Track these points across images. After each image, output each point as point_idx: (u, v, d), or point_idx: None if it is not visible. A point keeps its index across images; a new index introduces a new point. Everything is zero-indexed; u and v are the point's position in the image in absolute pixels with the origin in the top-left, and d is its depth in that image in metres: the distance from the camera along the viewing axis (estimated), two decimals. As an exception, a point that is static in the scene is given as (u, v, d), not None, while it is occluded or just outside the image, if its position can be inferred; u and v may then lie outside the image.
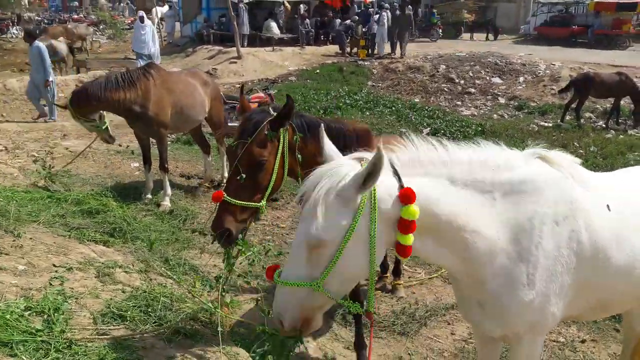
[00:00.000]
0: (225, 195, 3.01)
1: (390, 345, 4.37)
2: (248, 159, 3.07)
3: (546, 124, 13.16)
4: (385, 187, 2.08)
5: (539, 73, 16.93)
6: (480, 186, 2.29)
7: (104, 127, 6.76)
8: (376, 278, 2.24)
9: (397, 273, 5.37)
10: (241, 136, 3.13)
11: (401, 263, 5.47)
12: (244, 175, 3.03)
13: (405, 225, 2.06)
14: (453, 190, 2.23)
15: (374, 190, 2.04)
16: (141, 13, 16.84)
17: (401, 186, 2.10)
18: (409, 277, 5.66)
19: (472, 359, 4.19)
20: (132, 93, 6.46)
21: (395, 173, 2.14)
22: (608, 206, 2.56)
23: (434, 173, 2.22)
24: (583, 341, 4.51)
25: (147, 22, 16.42)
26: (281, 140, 3.16)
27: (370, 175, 1.97)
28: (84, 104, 6.36)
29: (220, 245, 3.23)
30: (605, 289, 2.62)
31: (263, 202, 3.14)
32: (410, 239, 2.08)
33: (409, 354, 4.25)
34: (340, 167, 2.09)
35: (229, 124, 9.98)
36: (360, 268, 2.09)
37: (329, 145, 2.36)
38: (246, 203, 3.05)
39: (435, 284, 5.50)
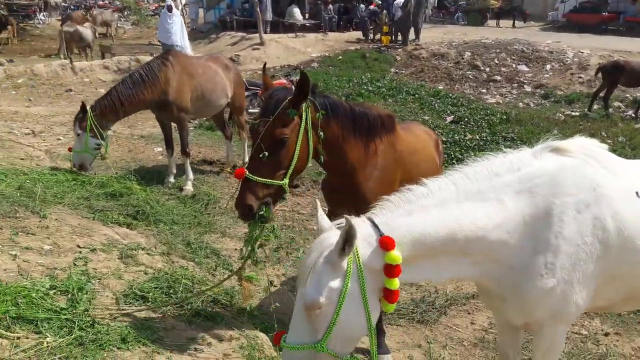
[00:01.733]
0: (247, 172, 3.03)
1: (409, 332, 4.36)
2: (270, 136, 3.06)
3: (573, 113, 12.87)
4: (366, 241, 2.18)
5: (567, 61, 16.54)
6: (477, 197, 2.35)
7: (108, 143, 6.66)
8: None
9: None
10: (263, 114, 3.13)
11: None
12: (266, 153, 3.03)
13: (390, 270, 2.15)
14: (440, 214, 2.29)
15: (357, 251, 2.13)
16: (169, 1, 15.43)
17: (380, 234, 2.19)
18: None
19: (492, 349, 4.15)
20: (157, 85, 6.52)
21: (373, 225, 2.24)
22: (637, 193, 2.49)
23: (415, 208, 2.30)
24: (606, 334, 4.43)
25: (175, 11, 15.19)
26: (303, 117, 3.14)
27: (345, 242, 2.08)
28: (110, 109, 6.30)
29: (242, 221, 3.25)
30: (636, 279, 2.55)
31: (285, 180, 3.13)
32: (395, 284, 2.16)
33: (427, 342, 4.23)
34: (328, 238, 2.20)
35: (250, 110, 10.00)
36: (358, 325, 2.17)
37: (322, 219, 2.40)
38: (268, 180, 3.06)
39: (456, 272, 5.46)
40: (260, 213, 3.10)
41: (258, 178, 3.03)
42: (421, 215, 2.27)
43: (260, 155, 3.04)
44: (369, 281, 2.15)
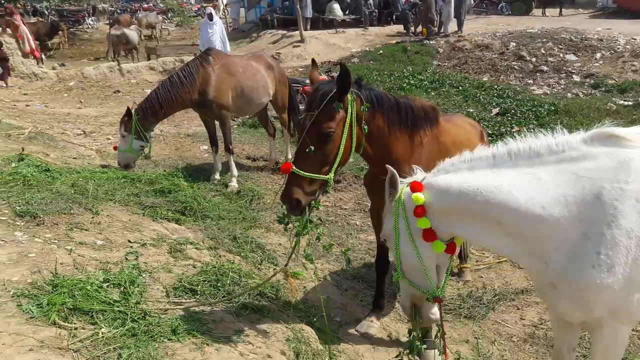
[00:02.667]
0: (294, 167, 3.03)
1: (457, 328, 4.29)
2: (316, 131, 3.07)
3: (626, 103, 12.33)
4: (408, 191, 2.63)
5: (618, 48, 15.87)
6: (509, 170, 2.46)
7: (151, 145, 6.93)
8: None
9: (463, 256, 5.25)
10: (309, 108, 3.13)
11: (467, 246, 5.35)
12: (312, 147, 3.03)
13: (415, 211, 2.56)
14: (473, 175, 2.50)
15: (401, 197, 2.64)
16: (209, 10, 14.97)
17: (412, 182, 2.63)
18: (477, 261, 5.52)
19: (543, 345, 4.04)
20: (194, 86, 6.67)
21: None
22: None
23: (451, 169, 2.62)
24: (665, 331, 4.24)
25: (216, 19, 14.46)
26: (349, 110, 3.13)
27: (390, 187, 2.68)
28: (151, 112, 6.55)
29: (290, 214, 3.25)
30: None
31: (331, 175, 3.13)
32: (423, 223, 2.55)
33: (475, 337, 4.15)
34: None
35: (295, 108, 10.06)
36: (414, 259, 2.62)
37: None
38: (314, 175, 3.06)
39: (504, 268, 5.33)
40: (312, 205, 3.12)
41: (305, 173, 3.04)
42: (452, 175, 2.58)
43: (307, 150, 3.05)
44: (411, 220, 2.59)
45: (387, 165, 2.65)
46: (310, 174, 3.05)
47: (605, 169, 2.28)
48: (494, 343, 4.11)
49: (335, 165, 3.13)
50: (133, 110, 6.54)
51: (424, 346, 3.04)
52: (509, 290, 4.83)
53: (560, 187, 2.33)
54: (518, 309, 4.58)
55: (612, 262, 2.22)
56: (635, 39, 16.22)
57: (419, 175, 2.74)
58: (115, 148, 6.81)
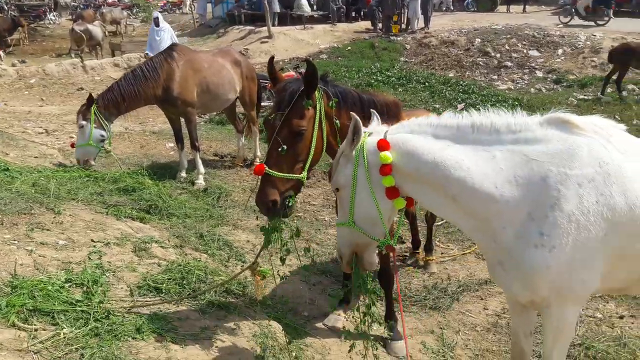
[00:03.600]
0: (267, 168, 3.01)
1: (422, 319, 4.37)
2: (287, 129, 3.04)
3: (586, 97, 12.72)
4: (372, 143, 2.61)
5: (579, 45, 16.31)
6: (471, 143, 2.51)
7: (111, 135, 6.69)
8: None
9: (429, 249, 5.35)
10: (278, 107, 3.11)
11: (433, 239, 5.45)
12: (284, 147, 3.01)
13: (382, 168, 2.56)
14: (435, 144, 2.53)
15: (364, 147, 2.61)
16: (156, 14, 13.77)
17: (380, 139, 2.59)
18: (442, 254, 5.63)
19: (505, 333, 4.15)
20: (158, 81, 6.57)
21: (385, 134, 2.64)
22: None
23: (418, 130, 2.62)
24: (621, 317, 4.39)
25: (163, 25, 13.30)
26: (318, 107, 3.13)
27: (353, 135, 2.61)
28: (112, 103, 6.39)
29: (267, 217, 3.21)
30: None
31: (304, 174, 3.12)
32: (388, 180, 2.55)
33: (440, 327, 4.24)
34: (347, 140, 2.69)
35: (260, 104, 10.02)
36: (370, 208, 2.61)
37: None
38: (288, 175, 3.05)
39: (469, 260, 5.45)
40: (288, 205, 3.10)
41: (278, 173, 3.01)
42: (417, 138, 2.59)
43: (279, 149, 3.02)
44: (373, 173, 2.58)
45: (351, 113, 2.65)
46: (284, 174, 3.03)
47: (554, 153, 2.36)
48: (459, 333, 4.20)
49: (308, 163, 3.13)
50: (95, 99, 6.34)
51: (368, 286, 3.03)
52: (473, 281, 4.94)
53: (512, 167, 2.39)
54: (482, 299, 4.69)
55: (554, 243, 2.30)
56: (595, 35, 16.69)
57: (379, 126, 2.75)
58: (72, 145, 6.55)
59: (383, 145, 2.55)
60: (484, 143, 2.48)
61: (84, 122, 6.28)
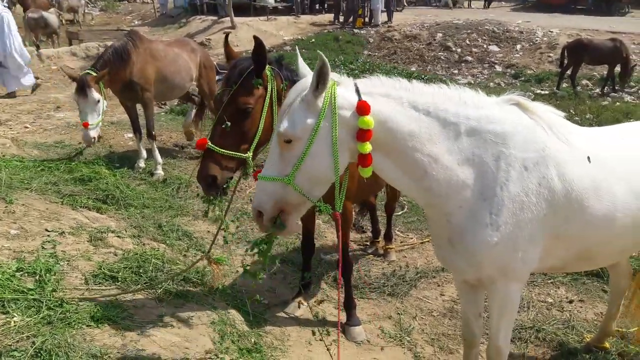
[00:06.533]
0: (209, 142, 2.93)
1: (380, 305, 4.45)
2: (233, 105, 2.98)
3: (543, 92, 13.10)
4: (347, 100, 2.30)
5: (536, 40, 16.78)
6: (442, 116, 2.41)
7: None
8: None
9: (388, 238, 5.42)
10: (227, 84, 3.04)
11: (392, 229, 5.53)
12: (228, 123, 2.94)
13: (361, 134, 2.27)
14: (412, 113, 2.38)
15: (334, 98, 2.27)
16: None
17: (359, 99, 2.30)
18: (401, 242, 5.72)
19: (460, 318, 4.26)
20: (129, 64, 6.45)
21: (357, 91, 2.34)
22: (589, 158, 2.57)
23: (394, 95, 2.40)
24: (571, 301, 4.57)
25: None
26: (269, 88, 3.09)
27: (319, 77, 2.22)
28: (115, 71, 6.24)
29: (205, 193, 3.11)
30: (584, 239, 2.64)
31: (249, 154, 3.05)
32: (367, 147, 2.28)
33: (398, 313, 4.33)
34: (306, 81, 2.33)
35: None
36: (326, 167, 2.30)
37: (302, 65, 2.65)
38: (231, 152, 2.96)
39: (427, 248, 5.56)
40: (224, 186, 3.03)
41: (221, 149, 2.93)
42: (394, 104, 2.38)
43: (223, 126, 2.95)
44: (342, 129, 2.27)
45: (318, 52, 2.24)
46: (227, 151, 2.95)
47: (506, 134, 2.43)
48: (416, 318, 4.29)
49: (254, 143, 3.08)
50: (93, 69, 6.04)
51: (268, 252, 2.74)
52: (430, 268, 5.05)
53: (472, 146, 2.43)
54: (438, 285, 4.80)
55: (500, 222, 2.40)
56: (551, 31, 17.19)
57: (346, 78, 2.44)
58: (86, 125, 5.95)
59: (364, 108, 2.26)
60: (452, 116, 2.42)
61: (98, 96, 5.94)
